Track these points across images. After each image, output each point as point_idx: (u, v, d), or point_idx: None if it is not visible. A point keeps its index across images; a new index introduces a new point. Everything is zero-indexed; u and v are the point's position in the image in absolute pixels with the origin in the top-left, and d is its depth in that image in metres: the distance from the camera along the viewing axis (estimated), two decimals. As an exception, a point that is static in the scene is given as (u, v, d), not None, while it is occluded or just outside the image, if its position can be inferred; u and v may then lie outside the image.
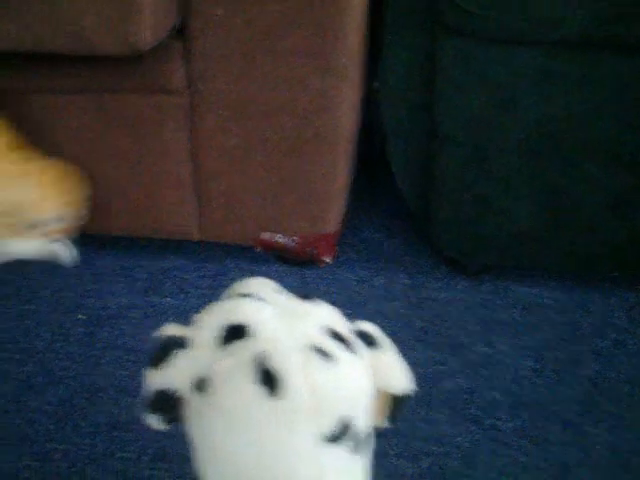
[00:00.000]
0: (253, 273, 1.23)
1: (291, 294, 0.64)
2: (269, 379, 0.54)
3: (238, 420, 0.55)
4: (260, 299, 0.61)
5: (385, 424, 0.63)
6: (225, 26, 1.10)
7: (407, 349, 0.66)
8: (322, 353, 0.56)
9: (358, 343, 0.60)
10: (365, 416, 0.59)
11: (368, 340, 0.62)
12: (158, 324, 1.15)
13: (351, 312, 0.66)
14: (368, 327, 0.63)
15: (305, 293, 0.64)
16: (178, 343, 0.59)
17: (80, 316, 1.17)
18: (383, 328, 0.68)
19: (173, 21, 1.08)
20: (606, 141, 1.11)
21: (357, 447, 0.58)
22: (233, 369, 0.55)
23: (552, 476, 0.95)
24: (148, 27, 1.01)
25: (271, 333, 0.57)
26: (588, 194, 1.14)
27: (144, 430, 0.95)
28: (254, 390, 0.54)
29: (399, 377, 0.62)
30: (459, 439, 0.97)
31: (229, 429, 0.55)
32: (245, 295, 0.61)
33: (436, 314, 1.18)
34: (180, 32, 1.12)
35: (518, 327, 1.16)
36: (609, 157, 1.12)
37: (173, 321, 1.16)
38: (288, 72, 1.11)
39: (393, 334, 0.66)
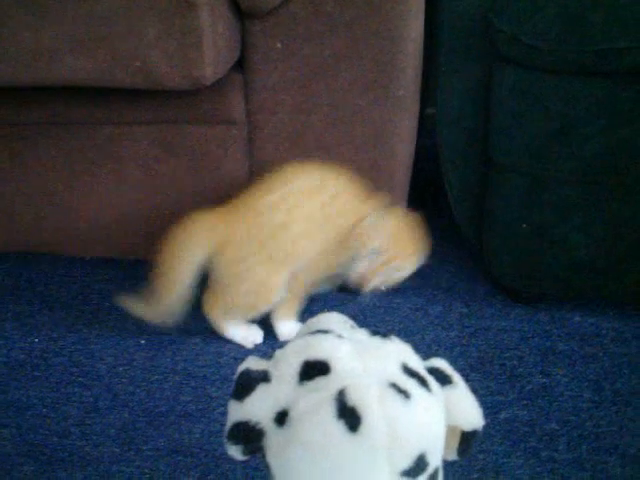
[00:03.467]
0: (311, 301, 1.27)
1: (365, 330, 0.65)
2: (349, 415, 0.56)
3: (318, 453, 0.57)
4: (338, 336, 0.62)
5: (454, 458, 0.64)
6: (284, 59, 1.13)
7: (463, 379, 0.67)
8: (399, 390, 0.58)
9: (431, 379, 0.62)
10: (439, 450, 0.60)
11: (440, 376, 0.63)
12: (216, 349, 1.19)
13: (407, 341, 0.67)
14: (440, 364, 0.65)
15: (379, 330, 0.65)
16: (259, 377, 0.61)
17: (142, 341, 1.20)
18: (439, 357, 0.69)
19: (235, 56, 1.12)
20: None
21: None
22: (315, 404, 0.57)
23: (612, 510, 0.94)
24: (211, 62, 1.05)
25: (350, 370, 0.59)
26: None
27: (205, 455, 0.99)
28: (335, 425, 0.56)
29: (470, 413, 0.63)
30: (517, 471, 0.97)
31: (309, 462, 0.57)
32: (324, 332, 0.63)
33: (492, 343, 1.17)
34: (240, 65, 1.15)
35: (576, 357, 1.15)
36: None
37: (231, 347, 1.19)
38: (346, 104, 1.14)
39: (450, 364, 0.67)
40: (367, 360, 0.60)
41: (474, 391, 0.67)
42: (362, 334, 0.65)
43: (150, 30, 1.02)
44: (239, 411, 0.61)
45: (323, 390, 0.58)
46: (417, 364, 0.63)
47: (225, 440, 0.62)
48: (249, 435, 0.60)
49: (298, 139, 1.17)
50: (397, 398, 0.57)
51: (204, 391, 1.11)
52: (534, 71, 1.10)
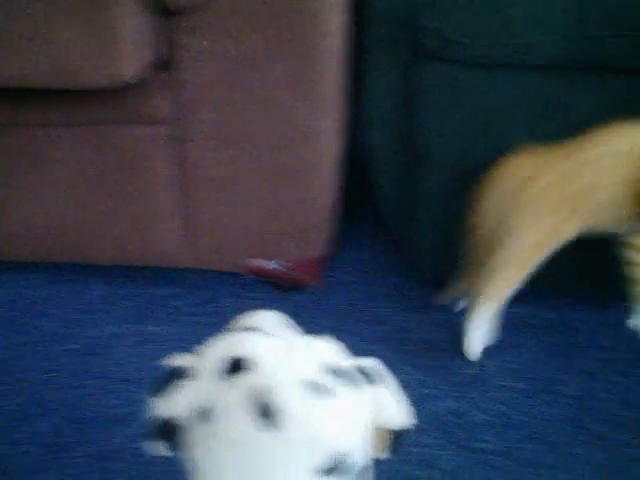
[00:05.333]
0: (243, 299, 1.26)
1: (295, 328, 0.66)
2: (267, 412, 0.56)
3: (237, 450, 0.57)
4: (262, 333, 0.63)
5: (384, 456, 0.65)
6: (210, 57, 1.12)
7: (395, 372, 0.67)
8: (319, 388, 0.58)
9: (358, 378, 0.62)
10: (361, 449, 0.60)
11: (368, 375, 0.63)
12: (149, 352, 1.17)
13: (339, 337, 0.67)
14: (368, 362, 0.65)
15: (313, 329, 0.66)
16: (182, 373, 0.61)
17: (73, 346, 1.18)
18: (371, 352, 0.70)
19: (156, 53, 1.10)
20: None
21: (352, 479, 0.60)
22: (232, 401, 0.58)
23: (540, 498, 0.95)
24: (130, 60, 1.03)
25: (270, 367, 0.59)
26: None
27: (135, 460, 0.98)
28: (252, 422, 0.56)
29: (398, 412, 0.64)
30: (447, 462, 0.98)
31: (228, 458, 0.58)
32: (249, 328, 0.64)
33: (425, 336, 1.18)
34: (166, 63, 1.13)
35: (506, 347, 1.16)
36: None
37: (164, 349, 1.18)
38: (272, 102, 1.13)
39: (381, 358, 0.67)
40: (290, 358, 0.60)
41: (406, 384, 0.68)
42: (288, 331, 0.66)
43: (68, 29, 1.00)
44: (161, 407, 0.61)
45: (243, 387, 0.58)
46: (343, 363, 0.63)
47: (148, 436, 0.62)
48: (171, 432, 0.60)
49: (226, 137, 1.16)
50: (318, 397, 0.58)
51: (135, 395, 1.09)
52: (458, 66, 1.10)
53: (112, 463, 0.98)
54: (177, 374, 0.61)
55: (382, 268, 1.35)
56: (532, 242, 1.07)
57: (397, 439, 0.64)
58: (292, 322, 0.71)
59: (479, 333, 1.13)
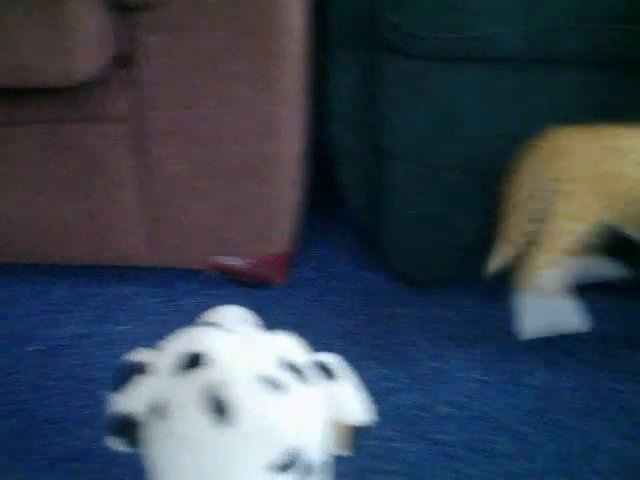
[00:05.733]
0: (208, 297, 1.26)
1: (259, 323, 0.67)
2: (220, 408, 0.57)
3: (189, 446, 0.57)
4: (222, 328, 0.63)
5: (344, 452, 0.65)
6: (169, 53, 1.11)
7: (359, 366, 0.68)
8: (274, 384, 0.58)
9: (317, 374, 0.63)
10: (318, 446, 0.61)
11: (327, 371, 0.64)
12: (112, 352, 1.17)
13: (303, 332, 0.67)
14: (328, 358, 0.65)
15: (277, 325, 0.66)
16: (140, 368, 0.61)
17: (35, 347, 1.17)
18: (333, 347, 0.70)
19: (115, 50, 1.09)
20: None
21: (308, 476, 0.60)
22: (186, 397, 0.58)
23: (501, 488, 0.97)
24: (86, 57, 1.03)
25: (226, 363, 0.59)
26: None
27: (101, 460, 0.97)
28: (205, 418, 0.57)
29: (356, 408, 0.64)
30: (409, 455, 0.99)
31: (181, 454, 0.58)
32: (209, 324, 0.64)
33: (386, 330, 1.19)
34: (126, 60, 1.13)
35: (469, 339, 1.17)
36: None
37: (130, 348, 1.17)
38: (232, 98, 1.13)
39: (343, 352, 0.68)
40: (246, 353, 0.60)
41: (370, 378, 0.68)
42: (249, 327, 0.66)
43: (21, 25, 0.99)
44: (118, 403, 0.61)
45: (197, 383, 0.58)
46: (300, 358, 0.63)
47: (106, 432, 0.62)
48: (129, 428, 0.61)
49: (186, 134, 1.15)
50: (273, 392, 0.58)
51: (99, 395, 1.09)
52: (421, 60, 1.11)
53: (79, 464, 0.97)
54: (136, 369, 0.61)
55: (348, 263, 1.36)
56: (562, 214, 1.05)
57: (357, 435, 0.65)
58: (256, 318, 0.72)
59: (531, 309, 1.10)
